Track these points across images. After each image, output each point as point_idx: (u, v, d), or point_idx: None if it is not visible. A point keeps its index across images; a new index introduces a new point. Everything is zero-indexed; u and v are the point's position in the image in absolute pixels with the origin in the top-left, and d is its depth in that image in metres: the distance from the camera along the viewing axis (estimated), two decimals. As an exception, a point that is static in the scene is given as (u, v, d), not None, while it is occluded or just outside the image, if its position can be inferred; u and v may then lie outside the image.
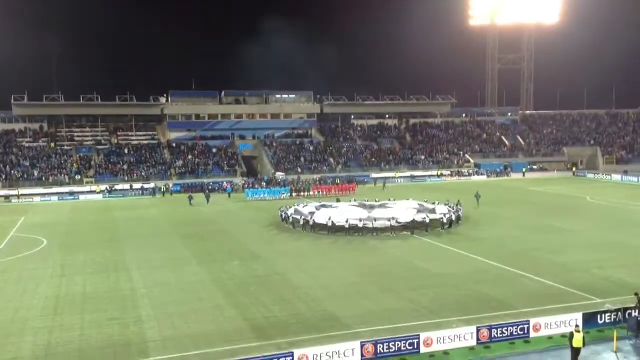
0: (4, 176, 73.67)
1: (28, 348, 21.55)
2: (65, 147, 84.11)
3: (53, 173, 76.00)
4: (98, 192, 71.12)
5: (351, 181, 75.88)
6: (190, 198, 62.78)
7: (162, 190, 71.35)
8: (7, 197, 67.88)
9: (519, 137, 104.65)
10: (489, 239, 40.39)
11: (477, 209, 53.68)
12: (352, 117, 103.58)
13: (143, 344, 21.93)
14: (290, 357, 19.51)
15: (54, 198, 68.81)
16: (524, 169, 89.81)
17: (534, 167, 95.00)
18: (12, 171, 74.94)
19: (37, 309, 26.25)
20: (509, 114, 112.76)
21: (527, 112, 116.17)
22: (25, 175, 74.63)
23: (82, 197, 69.66)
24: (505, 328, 21.95)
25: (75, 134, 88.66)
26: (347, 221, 42.91)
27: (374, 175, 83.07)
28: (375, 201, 51.74)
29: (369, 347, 20.31)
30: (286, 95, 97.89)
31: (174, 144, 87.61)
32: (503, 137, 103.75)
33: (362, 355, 20.14)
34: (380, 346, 20.44)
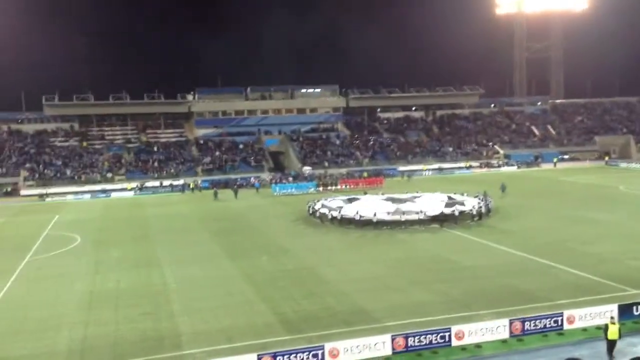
0: (37, 175, 75.29)
1: (64, 343, 22.06)
2: (97, 145, 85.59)
3: (85, 172, 77.43)
4: (129, 190, 72.22)
5: (378, 175, 75.60)
6: (215, 193, 63.83)
7: (191, 186, 72.12)
8: (41, 195, 69.37)
9: (549, 126, 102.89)
10: (520, 231, 39.87)
11: (503, 199, 53.01)
12: (379, 110, 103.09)
13: (176, 338, 22.25)
14: (322, 351, 19.58)
15: (87, 196, 70.11)
16: (555, 159, 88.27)
17: (565, 157, 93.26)
18: (46, 170, 76.56)
19: (72, 304, 26.83)
20: (539, 103, 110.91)
21: (557, 101, 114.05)
22: (58, 174, 76.18)
23: (113, 194, 70.83)
24: (539, 320, 21.67)
25: (106, 132, 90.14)
26: (375, 215, 42.81)
27: (401, 168, 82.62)
28: (404, 193, 51.49)
29: (400, 341, 20.26)
30: (311, 90, 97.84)
31: (201, 141, 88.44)
32: (533, 127, 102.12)
33: (393, 348, 20.11)
34: (411, 339, 20.36)
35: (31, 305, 26.80)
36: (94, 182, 75.09)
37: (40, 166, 77.37)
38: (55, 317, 24.98)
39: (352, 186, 68.16)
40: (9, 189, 72.41)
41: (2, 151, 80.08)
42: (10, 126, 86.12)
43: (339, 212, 44.75)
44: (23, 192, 71.64)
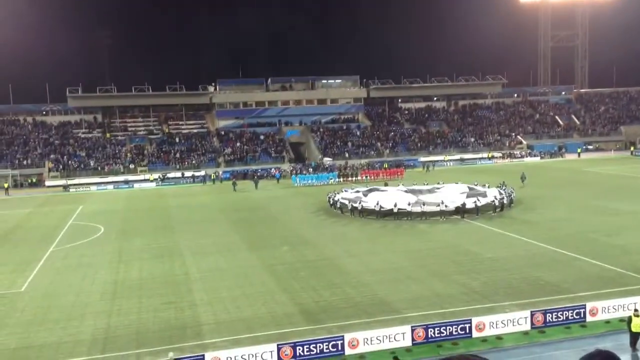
0: (61, 166, 76.45)
1: (89, 331, 22.44)
2: (119, 137, 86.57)
3: (108, 163, 78.42)
4: (151, 181, 72.99)
5: (399, 165, 75.27)
6: (234, 184, 64.43)
7: (212, 177, 72.62)
8: (65, 186, 70.45)
9: (573, 116, 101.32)
10: (543, 222, 39.43)
11: (525, 190, 52.43)
12: (400, 100, 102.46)
13: (198, 327, 22.51)
14: (341, 341, 19.65)
15: (110, 187, 71.03)
16: (579, 150, 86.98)
17: (590, 147, 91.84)
18: (70, 161, 77.69)
19: (96, 293, 27.27)
20: (563, 93, 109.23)
21: (582, 90, 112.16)
22: (82, 166, 77.27)
23: (136, 185, 71.66)
24: (561, 312, 21.47)
25: (129, 124, 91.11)
26: (395, 206, 42.67)
27: (422, 159, 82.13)
28: (425, 184, 51.22)
29: (420, 332, 20.23)
30: (332, 81, 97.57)
31: (222, 132, 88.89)
32: (557, 117, 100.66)
33: (413, 339, 20.09)
34: (431, 330, 20.33)
35: (56, 295, 27.30)
36: (117, 173, 76.05)
37: (65, 157, 78.53)
38: (80, 306, 25.42)
39: (372, 177, 68.01)
40: (34, 180, 73.65)
41: (27, 143, 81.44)
42: (35, 118, 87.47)
43: (360, 203, 44.70)
44: (48, 182, 72.85)
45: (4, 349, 21.07)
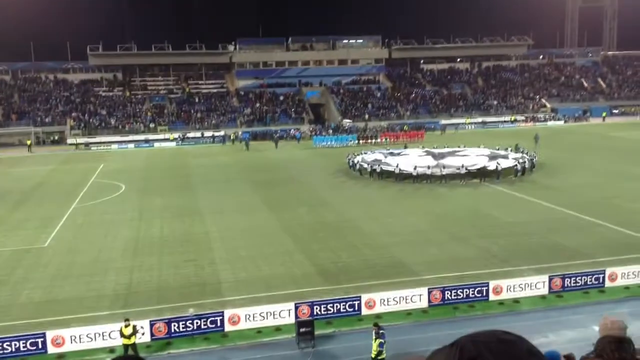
0: (83, 124, 77.05)
1: (111, 287, 22.92)
2: (139, 96, 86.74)
3: (129, 121, 78.82)
4: (172, 140, 73.36)
5: (420, 128, 74.55)
6: (247, 144, 65.39)
7: (231, 138, 72.69)
8: (87, 144, 71.15)
9: (600, 79, 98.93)
10: (565, 187, 38.95)
11: (546, 152, 51.67)
12: (422, 61, 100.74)
13: (217, 284, 22.85)
14: (358, 302, 19.82)
15: (131, 146, 71.58)
16: (604, 114, 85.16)
17: (615, 111, 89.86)
18: (91, 119, 78.24)
19: (118, 250, 27.74)
20: (590, 55, 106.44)
21: (610, 52, 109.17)
22: (103, 124, 77.80)
23: (156, 144, 72.10)
24: (579, 277, 21.38)
25: (149, 83, 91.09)
26: (415, 168, 42.42)
27: (444, 122, 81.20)
28: (445, 147, 50.74)
29: (437, 294, 20.30)
30: (353, 41, 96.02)
31: (242, 92, 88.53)
32: (583, 80, 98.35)
33: (429, 301, 20.19)
34: (447, 293, 20.39)
35: (78, 250, 27.83)
36: (138, 132, 76.47)
37: (86, 115, 79.07)
38: (102, 262, 25.91)
39: (392, 139, 67.53)
40: (56, 137, 74.44)
41: (49, 100, 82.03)
42: (56, 75, 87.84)
43: (379, 165, 44.51)
44: (69, 140, 73.61)
45: (28, 302, 21.65)
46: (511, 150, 49.06)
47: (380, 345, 16.20)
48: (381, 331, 16.50)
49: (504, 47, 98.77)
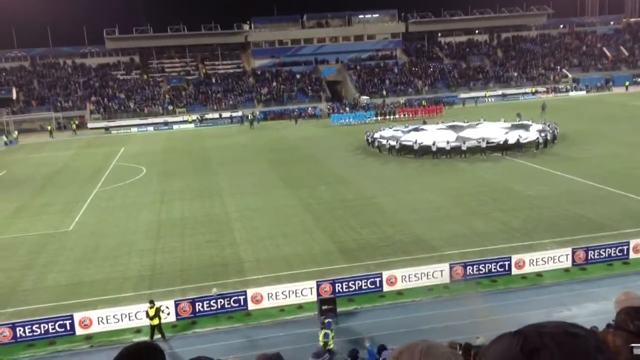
0: (102, 109, 77.66)
1: (135, 268, 23.27)
2: (157, 78, 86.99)
3: (147, 104, 79.22)
4: (190, 122, 73.64)
5: (438, 103, 73.79)
6: (251, 123, 67.42)
7: (249, 118, 72.63)
8: (107, 128, 71.77)
9: (622, 47, 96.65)
10: (588, 159, 38.39)
11: (543, 116, 51.04)
12: (439, 34, 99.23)
13: (239, 264, 23.07)
14: (379, 278, 19.87)
15: (150, 128, 72.02)
16: (627, 83, 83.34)
17: (639, 80, 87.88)
18: (110, 103, 78.80)
19: (141, 232, 28.10)
20: (612, 22, 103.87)
21: (632, 20, 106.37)
22: (122, 107, 78.32)
23: (175, 127, 72.45)
24: (603, 249, 21.16)
25: (165, 65, 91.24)
26: (434, 144, 42.04)
27: (463, 95, 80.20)
28: (465, 122, 50.20)
29: (458, 269, 20.25)
30: (369, 15, 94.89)
31: (258, 72, 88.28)
32: (605, 49, 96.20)
33: (451, 277, 20.16)
34: (469, 268, 20.33)
35: (102, 234, 28.24)
36: (156, 114, 76.87)
37: (105, 99, 79.63)
38: (126, 245, 26.28)
39: (410, 115, 66.99)
40: (77, 122, 75.17)
41: (67, 85, 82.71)
42: (74, 60, 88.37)
43: (398, 142, 44.23)
44: (90, 125, 74.27)
45: (55, 285, 22.09)
46: (517, 120, 50.39)
47: (326, 336, 15.89)
48: (326, 320, 16.15)
49: (523, 17, 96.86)
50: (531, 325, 1.58)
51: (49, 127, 70.48)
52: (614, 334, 3.82)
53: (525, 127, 45.33)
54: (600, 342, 1.54)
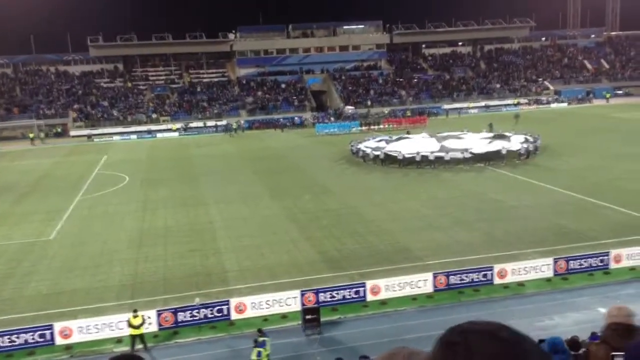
0: (85, 116, 76.95)
1: (117, 278, 23.02)
2: (141, 86, 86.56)
3: (131, 112, 78.73)
4: (174, 130, 73.30)
5: (422, 113, 74.34)
6: (232, 130, 69.32)
7: (234, 127, 72.51)
8: (89, 136, 71.16)
9: (603, 60, 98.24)
10: (569, 170, 38.85)
11: (549, 137, 51.19)
12: (424, 46, 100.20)
13: (223, 274, 22.93)
14: (363, 288, 19.87)
15: (133, 137, 71.56)
16: (607, 95, 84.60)
17: (619, 92, 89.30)
18: (93, 111, 78.17)
19: (123, 241, 27.83)
20: (593, 35, 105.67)
21: (613, 33, 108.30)
22: (105, 115, 77.73)
23: (159, 135, 72.07)
24: (584, 260, 21.38)
25: (150, 73, 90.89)
26: (418, 154, 42.30)
27: (446, 106, 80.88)
28: (448, 132, 50.57)
29: (442, 279, 20.34)
30: (354, 26, 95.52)
31: (244, 81, 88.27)
32: (586, 62, 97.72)
33: (434, 286, 20.23)
34: (452, 277, 20.42)
35: (84, 242, 27.91)
36: (140, 122, 76.41)
37: (88, 107, 78.99)
38: (108, 254, 26.01)
39: (395, 125, 67.35)
40: (59, 130, 74.48)
41: (50, 92, 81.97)
42: (57, 67, 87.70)
43: (382, 152, 44.42)
44: (72, 132, 73.59)
45: (36, 294, 21.77)
46: (485, 130, 51.86)
47: (258, 354, 15.23)
48: (261, 339, 15.60)
49: (506, 30, 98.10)
50: (468, 322, 1.59)
51: (31, 135, 69.66)
52: (597, 346, 3.86)
53: (507, 138, 45.76)
54: (525, 354, 1.51)
